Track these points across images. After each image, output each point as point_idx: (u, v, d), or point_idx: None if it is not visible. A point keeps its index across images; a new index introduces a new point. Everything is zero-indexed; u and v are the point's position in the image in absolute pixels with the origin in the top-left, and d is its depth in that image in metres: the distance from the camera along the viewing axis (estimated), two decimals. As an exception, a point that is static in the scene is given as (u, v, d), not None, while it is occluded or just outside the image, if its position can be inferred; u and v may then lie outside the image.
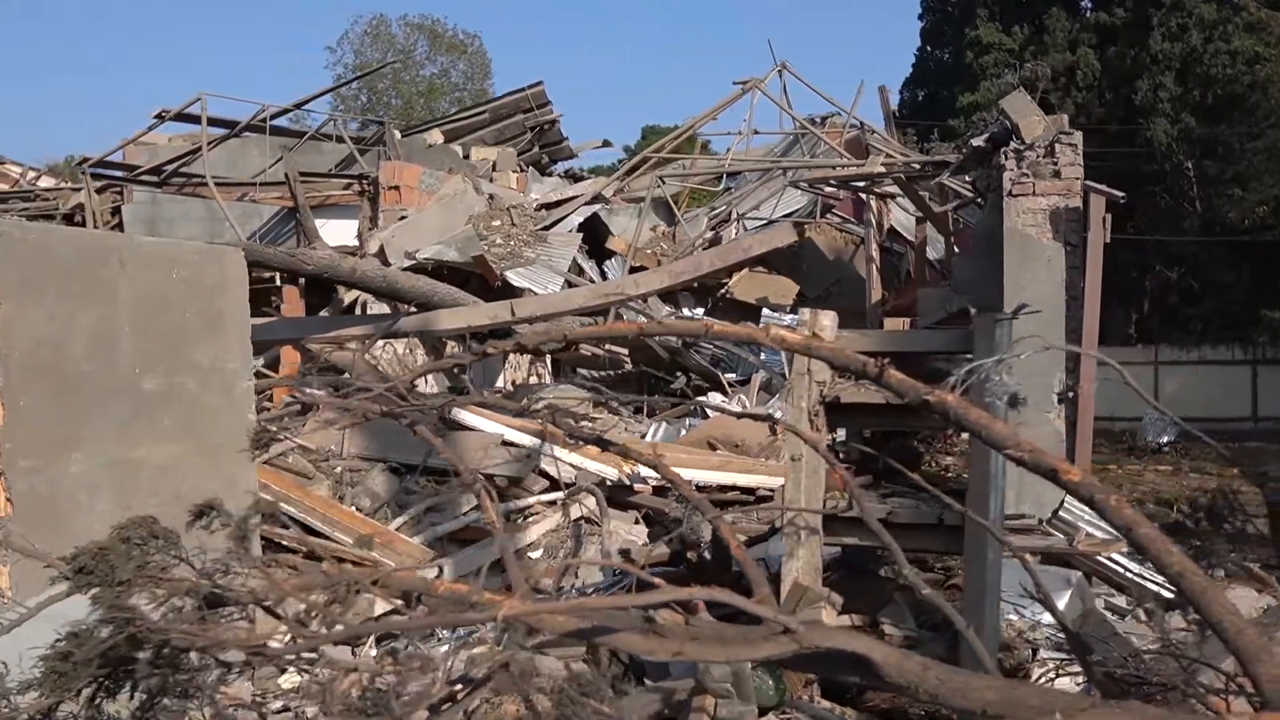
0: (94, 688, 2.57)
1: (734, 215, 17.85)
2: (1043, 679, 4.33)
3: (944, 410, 2.67)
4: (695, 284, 15.44)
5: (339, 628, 2.25)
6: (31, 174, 20.92)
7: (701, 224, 17.87)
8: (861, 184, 13.94)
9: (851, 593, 4.79)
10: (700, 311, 15.79)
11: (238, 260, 6.60)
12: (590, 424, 10.66)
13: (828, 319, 4.49)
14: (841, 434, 7.62)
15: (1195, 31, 22.78)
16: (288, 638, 2.40)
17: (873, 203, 14.51)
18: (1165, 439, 16.83)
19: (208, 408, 6.32)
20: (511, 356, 13.71)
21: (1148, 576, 6.55)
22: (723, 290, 15.92)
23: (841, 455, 7.03)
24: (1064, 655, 4.26)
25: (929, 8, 32.60)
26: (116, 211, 15.98)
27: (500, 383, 14.00)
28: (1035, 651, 4.72)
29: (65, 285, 5.53)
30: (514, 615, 2.17)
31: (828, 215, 17.13)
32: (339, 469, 8.28)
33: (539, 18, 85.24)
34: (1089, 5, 27.52)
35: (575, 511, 8.13)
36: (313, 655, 2.46)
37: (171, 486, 5.93)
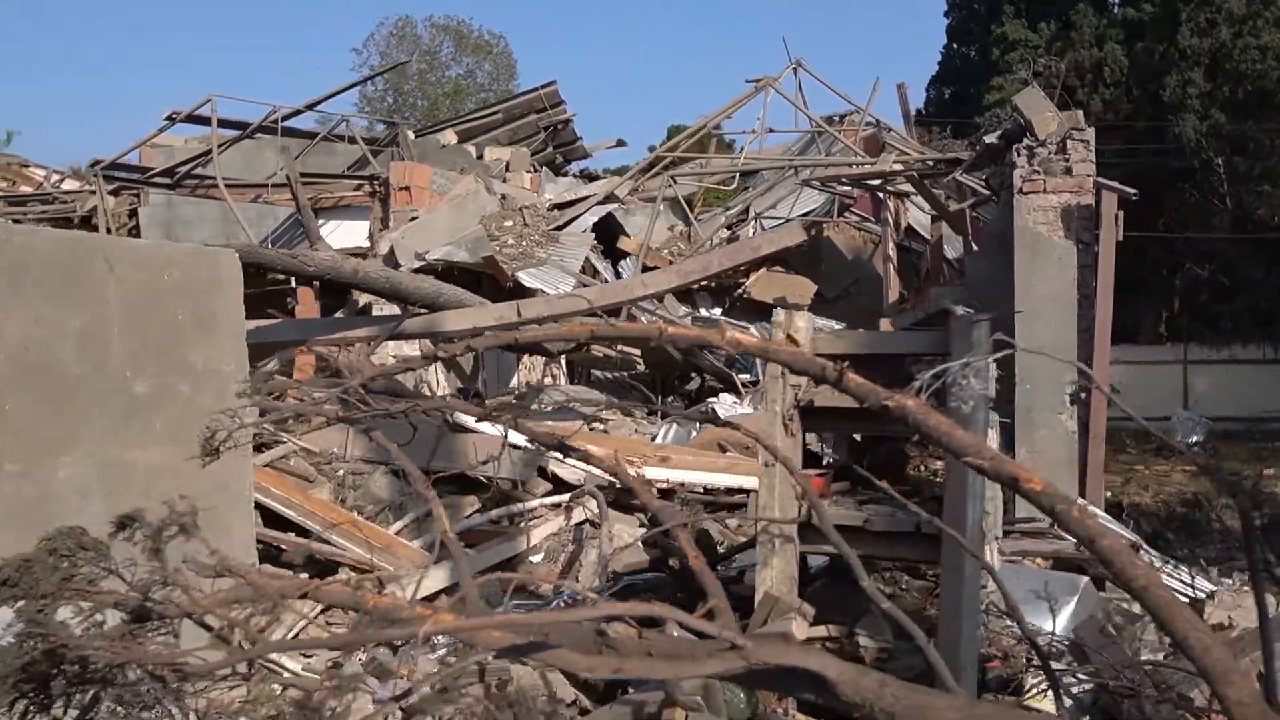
0: (25, 702, 2.50)
1: (751, 214, 17.72)
2: (1034, 689, 4.21)
3: (904, 415, 2.56)
4: (710, 284, 15.31)
5: (260, 644, 2.17)
6: (56, 177, 21.05)
7: (718, 223, 17.75)
8: (875, 182, 13.78)
9: (831, 603, 4.65)
10: (718, 311, 15.65)
11: (232, 261, 6.54)
12: (602, 424, 10.58)
13: (803, 320, 4.36)
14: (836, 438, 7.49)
15: (1224, 26, 22.49)
16: (219, 654, 2.33)
17: (889, 201, 14.36)
18: (1194, 439, 16.57)
19: (202, 410, 6.25)
20: (525, 357, 13.64)
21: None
22: (740, 290, 15.79)
23: (833, 461, 6.91)
24: (1061, 666, 4.13)
25: (955, 5, 32.38)
26: (134, 214, 16.00)
27: (514, 383, 13.93)
28: (1030, 661, 4.58)
29: (52, 287, 5.50)
30: (436, 631, 2.08)
31: (846, 214, 16.97)
32: (341, 472, 8.22)
33: (556, 18, 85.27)
34: (1116, 0, 27.20)
35: (578, 514, 8.03)
36: (245, 670, 2.39)
37: (164, 489, 5.85)
